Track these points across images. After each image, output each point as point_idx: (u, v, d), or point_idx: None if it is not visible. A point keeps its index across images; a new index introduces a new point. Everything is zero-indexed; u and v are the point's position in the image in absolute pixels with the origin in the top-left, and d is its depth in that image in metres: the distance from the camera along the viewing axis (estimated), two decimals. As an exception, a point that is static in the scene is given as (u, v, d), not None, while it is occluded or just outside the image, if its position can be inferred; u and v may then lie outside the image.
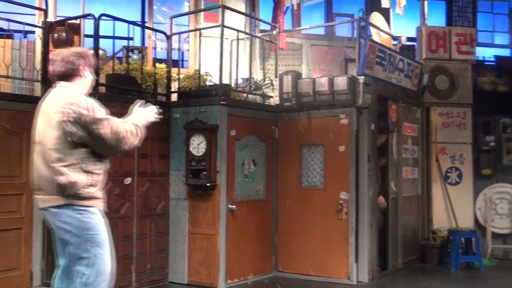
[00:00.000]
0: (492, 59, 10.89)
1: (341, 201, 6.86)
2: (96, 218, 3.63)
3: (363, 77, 6.88)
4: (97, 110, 3.54)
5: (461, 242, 8.04)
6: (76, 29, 7.55)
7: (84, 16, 7.23)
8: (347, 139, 6.90)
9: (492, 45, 11.40)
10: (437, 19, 10.58)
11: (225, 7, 7.12)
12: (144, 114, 3.89)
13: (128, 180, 6.39)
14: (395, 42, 8.89)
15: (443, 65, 9.03)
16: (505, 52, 11.41)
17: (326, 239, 6.93)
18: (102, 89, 6.39)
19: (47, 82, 6.69)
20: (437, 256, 8.30)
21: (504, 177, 9.08)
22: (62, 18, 7.79)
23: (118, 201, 6.25)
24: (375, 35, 8.25)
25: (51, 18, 7.56)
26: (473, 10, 11.03)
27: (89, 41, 7.24)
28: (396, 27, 9.48)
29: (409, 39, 9.40)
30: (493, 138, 9.09)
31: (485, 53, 11.08)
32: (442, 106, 8.93)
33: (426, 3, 9.21)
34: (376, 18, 8.60)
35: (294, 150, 7.29)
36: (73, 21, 7.48)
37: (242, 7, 8.81)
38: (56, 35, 7.32)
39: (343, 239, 6.82)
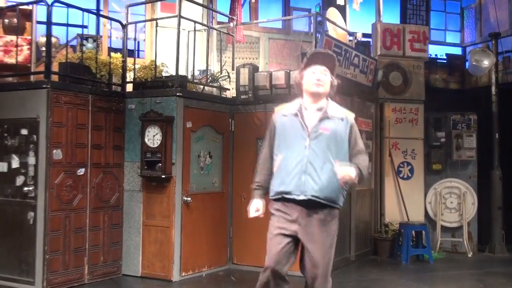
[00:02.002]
0: (444, 57, 11.15)
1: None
2: None
3: (319, 71, 6.92)
4: None
5: (412, 235, 8.23)
6: (28, 15, 7.31)
7: (37, 2, 7.01)
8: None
9: (444, 43, 11.67)
10: (391, 16, 10.76)
11: (182, -2, 7.05)
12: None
13: (81, 171, 6.27)
14: (351, 38, 9.01)
15: (397, 62, 9.20)
16: (456, 51, 11.69)
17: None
18: (55, 78, 6.23)
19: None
20: (389, 248, 8.48)
21: (453, 172, 9.34)
22: (14, 3, 7.56)
23: (70, 193, 6.13)
24: (332, 30, 8.33)
25: (1, 3, 7.34)
26: (426, 9, 11.26)
27: (42, 28, 7.04)
28: (352, 23, 9.60)
29: (364, 35, 9.55)
30: (443, 134, 9.32)
31: (437, 51, 11.34)
32: (395, 102, 9.10)
33: (381, 0, 9.35)
34: (333, 13, 8.68)
35: (251, 143, 7.29)
36: (25, 6, 7.25)
37: (199, -2, 8.75)
38: (7, 21, 7.09)
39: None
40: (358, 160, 3.92)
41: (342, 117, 3.92)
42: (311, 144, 3.80)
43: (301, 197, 3.80)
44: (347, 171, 3.74)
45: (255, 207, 4.09)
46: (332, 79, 3.95)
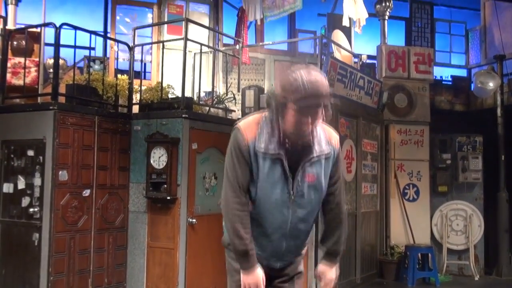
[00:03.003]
0: (449, 79, 11.18)
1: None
2: None
3: (324, 93, 6.94)
4: None
5: (418, 257, 8.18)
6: (36, 38, 7.41)
7: (45, 24, 7.10)
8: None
9: (449, 65, 11.72)
10: (396, 39, 10.82)
11: (188, 20, 7.12)
12: None
13: (86, 192, 6.27)
14: (356, 60, 9.05)
15: (402, 84, 9.23)
16: (461, 72, 11.73)
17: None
18: (62, 99, 6.27)
19: (3, 91, 6.56)
20: (395, 271, 8.42)
21: (459, 194, 9.30)
22: (22, 26, 7.65)
23: (76, 214, 6.13)
24: (337, 53, 8.39)
25: (10, 26, 7.42)
26: (431, 31, 11.32)
27: (50, 50, 7.12)
28: (357, 45, 9.65)
29: (369, 57, 9.59)
30: (449, 156, 9.31)
31: (443, 73, 11.38)
32: (400, 123, 9.11)
33: (386, 22, 9.42)
34: (338, 35, 8.75)
35: (256, 165, 7.28)
36: (34, 29, 7.34)
37: (206, 21, 8.83)
38: (15, 43, 7.16)
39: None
40: (336, 220, 3.07)
41: (329, 152, 2.94)
42: (296, 200, 2.91)
43: (278, 265, 3.09)
44: (331, 277, 3.08)
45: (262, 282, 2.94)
46: (327, 108, 2.85)
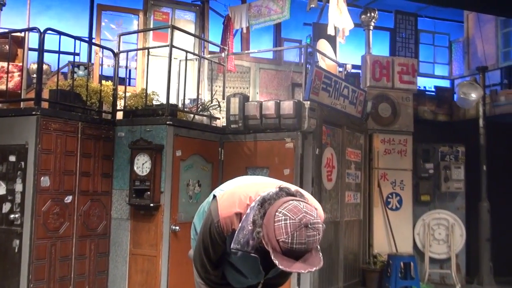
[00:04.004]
0: (433, 89, 11.29)
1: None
2: None
3: (308, 102, 6.99)
4: None
5: (400, 266, 8.21)
6: (20, 42, 7.37)
7: (29, 29, 7.07)
8: (291, 162, 6.96)
9: (432, 76, 11.85)
10: (381, 49, 10.92)
11: (174, 27, 7.12)
12: None
13: (68, 199, 6.23)
14: (340, 69, 9.11)
15: (386, 94, 9.30)
16: (445, 83, 11.86)
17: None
18: (45, 105, 6.23)
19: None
20: (377, 280, 8.44)
21: (442, 204, 9.38)
22: (6, 30, 7.60)
23: (57, 220, 6.07)
24: (322, 62, 8.43)
25: (-6, 30, 7.37)
26: (415, 41, 11.44)
27: (33, 55, 7.08)
28: (342, 54, 9.72)
29: (354, 66, 9.66)
30: (432, 165, 9.38)
31: (426, 83, 11.49)
32: (384, 133, 9.17)
33: (371, 32, 9.50)
34: (323, 45, 8.80)
35: (240, 172, 7.28)
36: (17, 34, 7.30)
37: (191, 28, 8.84)
38: (-2, 47, 7.13)
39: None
40: None
41: None
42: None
43: None
44: None
45: None
46: None
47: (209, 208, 2.70)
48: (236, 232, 2.53)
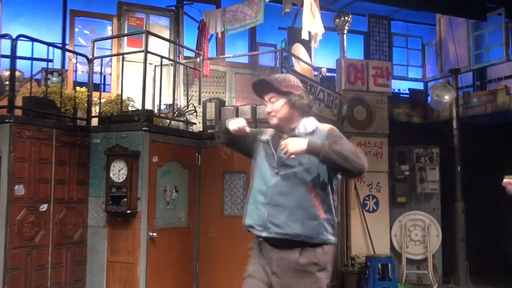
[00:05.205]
0: (407, 91, 11.42)
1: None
2: None
3: (285, 106, 6.98)
4: None
5: (378, 268, 8.27)
6: (-9, 49, 7.27)
7: (1, 36, 6.97)
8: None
9: (406, 79, 11.98)
10: (355, 52, 11.01)
11: (149, 33, 7.09)
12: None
13: (44, 207, 6.14)
14: (316, 73, 9.16)
15: (361, 96, 9.38)
16: (418, 86, 12.00)
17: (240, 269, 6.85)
18: (19, 112, 6.15)
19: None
20: (356, 282, 8.49)
21: (418, 205, 9.49)
22: (-23, 37, 7.48)
23: (32, 229, 5.98)
24: (297, 66, 8.47)
25: (-36, 37, 7.25)
26: (389, 45, 11.57)
27: (6, 62, 6.97)
28: (317, 58, 9.77)
29: (329, 70, 9.71)
30: (407, 167, 9.49)
31: (400, 86, 11.62)
32: (360, 136, 9.24)
33: (345, 36, 9.58)
34: (298, 49, 8.84)
35: (217, 178, 7.27)
36: (-11, 41, 7.20)
37: (166, 34, 8.81)
38: (-31, 54, 7.01)
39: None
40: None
41: (312, 131, 3.39)
42: (280, 171, 3.35)
43: (264, 234, 3.31)
44: (292, 142, 3.19)
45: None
46: (286, 100, 3.39)
47: None
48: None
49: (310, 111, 3.50)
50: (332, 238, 3.39)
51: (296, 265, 3.25)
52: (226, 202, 7.25)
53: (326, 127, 3.44)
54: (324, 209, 3.33)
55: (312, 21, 8.12)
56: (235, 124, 3.47)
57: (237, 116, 7.13)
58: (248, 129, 3.48)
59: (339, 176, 3.48)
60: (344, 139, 3.32)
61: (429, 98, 10.66)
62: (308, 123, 3.44)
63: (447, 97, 9.37)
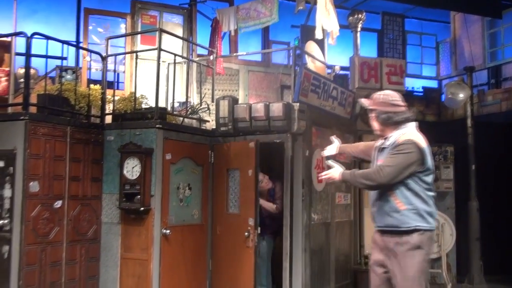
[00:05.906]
0: (421, 90, 11.35)
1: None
2: None
3: (298, 104, 6.99)
4: None
5: (391, 266, 8.21)
6: (6, 47, 7.32)
7: (16, 34, 7.01)
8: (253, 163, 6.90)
9: (420, 77, 11.91)
10: (369, 50, 10.96)
11: (162, 31, 7.11)
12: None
13: (58, 204, 6.19)
14: (329, 71, 9.13)
15: (375, 94, 9.30)
16: (432, 84, 11.93)
17: (241, 269, 6.86)
18: (33, 109, 6.19)
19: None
20: (369, 280, 8.44)
21: (432, 203, 9.40)
22: (-8, 35, 7.55)
23: (47, 226, 6.03)
24: (310, 63, 8.45)
25: (-20, 35, 7.31)
26: (403, 43, 11.50)
27: (21, 60, 7.03)
28: (330, 56, 9.75)
29: (342, 68, 9.68)
30: (421, 165, 9.40)
31: (414, 84, 11.56)
32: (373, 134, 9.15)
33: (359, 34, 9.53)
34: (311, 47, 8.81)
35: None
36: (4, 38, 7.25)
37: (179, 31, 8.83)
38: (-15, 52, 7.07)
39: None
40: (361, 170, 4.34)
41: (392, 143, 4.13)
42: None
43: (375, 227, 4.26)
44: (330, 172, 4.40)
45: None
46: (375, 116, 4.36)
47: None
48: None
49: (398, 124, 4.21)
50: (417, 225, 4.37)
51: (396, 252, 4.20)
52: (230, 200, 7.23)
53: (401, 140, 4.08)
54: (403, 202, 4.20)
55: (327, 18, 8.09)
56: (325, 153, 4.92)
57: (250, 113, 7.12)
58: (333, 152, 4.98)
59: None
60: (394, 157, 4.06)
61: (443, 96, 10.58)
62: (395, 135, 4.17)
63: (461, 95, 9.29)
